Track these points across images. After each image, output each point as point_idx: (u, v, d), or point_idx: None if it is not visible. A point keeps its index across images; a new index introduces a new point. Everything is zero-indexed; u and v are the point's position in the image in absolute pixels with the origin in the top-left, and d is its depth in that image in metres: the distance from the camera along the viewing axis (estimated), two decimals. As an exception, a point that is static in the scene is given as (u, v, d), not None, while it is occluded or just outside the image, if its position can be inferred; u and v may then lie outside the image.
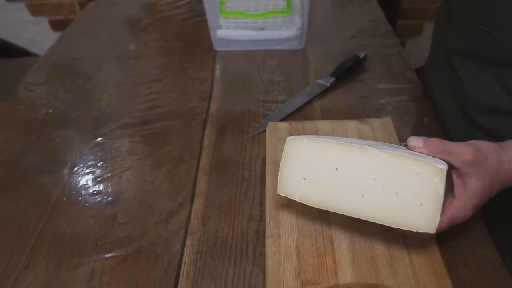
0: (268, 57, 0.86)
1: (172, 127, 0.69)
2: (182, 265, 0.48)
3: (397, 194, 0.38)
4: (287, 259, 0.45)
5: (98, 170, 0.62)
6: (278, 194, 0.45)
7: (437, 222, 0.37)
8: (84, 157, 0.64)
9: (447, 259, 0.46)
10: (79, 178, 0.61)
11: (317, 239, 0.47)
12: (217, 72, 0.83)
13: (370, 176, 0.39)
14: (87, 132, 0.69)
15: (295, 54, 0.86)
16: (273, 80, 0.79)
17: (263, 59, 0.85)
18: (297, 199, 0.43)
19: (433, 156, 0.39)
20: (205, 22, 0.88)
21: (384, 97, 0.73)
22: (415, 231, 0.37)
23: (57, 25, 1.77)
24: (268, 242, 0.47)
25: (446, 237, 0.49)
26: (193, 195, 0.57)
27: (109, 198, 0.58)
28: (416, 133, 0.65)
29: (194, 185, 0.58)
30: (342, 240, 0.46)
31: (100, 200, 0.57)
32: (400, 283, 0.42)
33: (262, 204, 0.55)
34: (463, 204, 0.39)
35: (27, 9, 1.72)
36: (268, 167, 0.57)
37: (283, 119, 0.68)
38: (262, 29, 0.88)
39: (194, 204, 0.56)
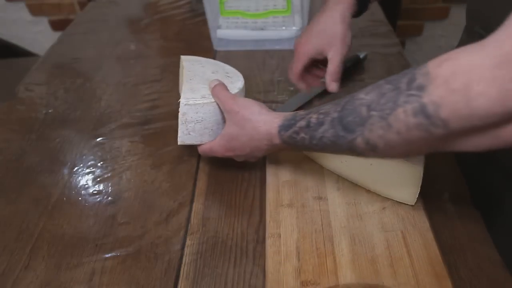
0: (268, 57, 0.86)
1: (172, 127, 0.69)
2: (182, 265, 0.48)
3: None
4: (287, 259, 0.45)
5: (98, 170, 0.62)
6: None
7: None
8: (84, 157, 0.64)
9: (447, 259, 0.46)
10: (79, 178, 0.61)
11: (317, 239, 0.47)
12: (217, 72, 0.82)
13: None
14: (87, 132, 0.69)
15: (295, 54, 0.86)
16: (273, 80, 0.79)
17: (263, 59, 0.85)
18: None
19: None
20: (205, 22, 0.88)
21: (384, 97, 0.72)
22: None
23: (57, 25, 1.77)
24: (268, 242, 0.47)
25: (446, 237, 0.49)
26: (193, 195, 0.57)
27: (109, 198, 0.58)
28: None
29: (194, 185, 0.58)
30: (342, 240, 0.46)
31: (100, 200, 0.57)
32: (400, 284, 0.42)
33: (262, 204, 0.55)
34: (218, 139, 0.53)
35: (27, 9, 1.72)
36: (268, 167, 0.57)
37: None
38: (262, 29, 0.89)
39: (194, 204, 0.56)
